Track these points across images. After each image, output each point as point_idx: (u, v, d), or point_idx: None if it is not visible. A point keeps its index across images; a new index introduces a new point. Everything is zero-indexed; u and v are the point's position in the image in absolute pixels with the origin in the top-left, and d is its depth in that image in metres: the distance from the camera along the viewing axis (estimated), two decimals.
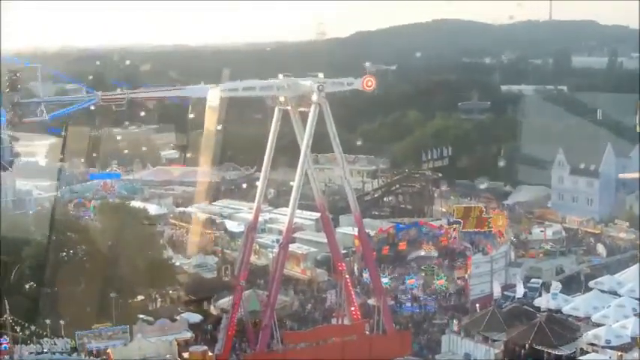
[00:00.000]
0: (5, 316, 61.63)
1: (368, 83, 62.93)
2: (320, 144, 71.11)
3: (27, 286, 67.86)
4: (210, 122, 77.57)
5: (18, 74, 57.93)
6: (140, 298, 74.11)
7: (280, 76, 63.77)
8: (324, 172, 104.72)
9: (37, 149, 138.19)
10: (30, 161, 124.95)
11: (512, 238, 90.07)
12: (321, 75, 63.11)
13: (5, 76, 58.63)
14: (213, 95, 62.98)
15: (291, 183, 72.31)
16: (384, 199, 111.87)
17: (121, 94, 59.93)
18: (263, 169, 66.86)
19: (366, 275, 75.97)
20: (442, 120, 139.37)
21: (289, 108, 64.17)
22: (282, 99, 64.14)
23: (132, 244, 72.59)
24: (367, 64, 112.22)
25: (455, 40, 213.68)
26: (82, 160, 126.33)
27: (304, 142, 62.83)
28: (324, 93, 62.02)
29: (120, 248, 71.10)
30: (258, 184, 69.36)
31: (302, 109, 63.59)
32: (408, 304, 77.29)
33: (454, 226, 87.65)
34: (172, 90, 64.51)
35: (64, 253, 71.06)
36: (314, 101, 61.78)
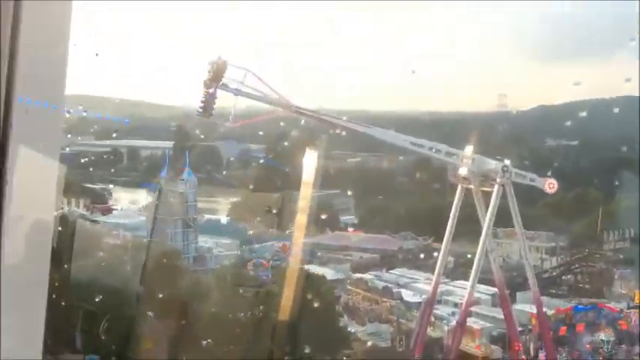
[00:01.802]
0: None
1: (550, 185, 63.70)
2: (499, 217, 71.45)
3: (204, 343, 70.18)
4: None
5: (225, 71, 59.83)
6: None
7: (468, 147, 64.90)
8: (503, 247, 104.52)
9: (220, 207, 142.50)
10: (212, 218, 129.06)
11: None
12: (507, 162, 63.87)
13: (212, 64, 60.29)
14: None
15: (469, 255, 72.87)
16: (563, 277, 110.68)
17: (313, 113, 62.21)
18: (443, 244, 67.79)
19: (542, 356, 75.45)
20: (625, 200, 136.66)
21: (472, 187, 65.09)
22: (464, 174, 65.10)
23: (308, 309, 74.16)
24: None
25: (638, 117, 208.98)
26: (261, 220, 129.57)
27: (486, 222, 63.61)
28: (509, 175, 62.82)
29: (296, 312, 72.73)
30: (439, 258, 70.12)
31: (484, 188, 64.49)
32: None
33: (634, 310, 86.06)
34: (363, 126, 65.87)
35: (242, 314, 73.42)
36: (498, 182, 62.61)
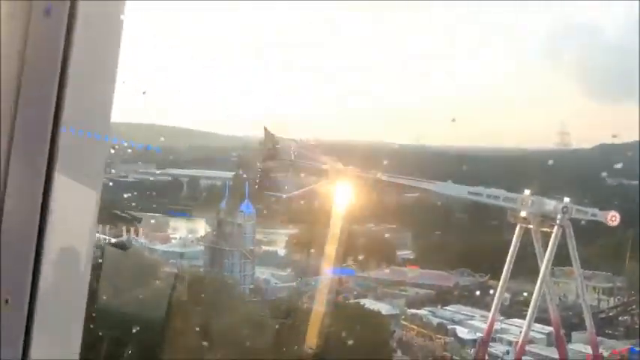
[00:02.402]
0: None
1: (612, 219, 63.29)
2: (556, 254, 70.77)
3: None
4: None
5: (278, 146, 60.95)
6: None
7: (526, 191, 64.58)
8: (560, 286, 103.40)
9: (277, 238, 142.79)
10: (269, 250, 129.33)
11: None
12: (567, 199, 63.49)
13: (267, 144, 61.55)
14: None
15: (525, 294, 72.02)
16: (619, 318, 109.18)
17: (369, 174, 62.53)
18: (500, 283, 67.43)
19: None
20: None
21: (531, 227, 64.72)
22: (524, 215, 64.81)
23: (362, 345, 74.00)
24: (604, 174, 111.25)
25: None
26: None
27: (544, 263, 63.23)
28: (569, 215, 62.43)
29: (349, 347, 72.60)
30: (495, 296, 69.72)
31: (544, 229, 64.13)
32: None
33: None
34: (423, 182, 66.37)
35: (296, 347, 73.50)
36: (558, 223, 62.23)
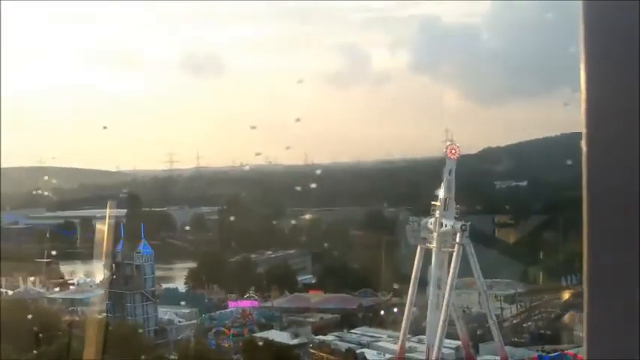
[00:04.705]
0: None
1: (452, 151, 63.94)
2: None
3: None
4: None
5: None
6: None
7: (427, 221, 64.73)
8: (461, 297, 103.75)
9: (176, 274, 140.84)
10: (170, 287, 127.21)
11: None
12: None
13: None
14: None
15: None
16: (524, 325, 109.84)
17: None
18: (407, 305, 67.49)
19: None
20: (579, 241, 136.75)
21: (433, 247, 64.92)
22: (423, 236, 65.12)
23: None
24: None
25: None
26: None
27: (449, 282, 63.29)
28: (468, 233, 62.81)
29: None
30: (404, 318, 69.76)
31: (445, 249, 64.41)
32: None
33: None
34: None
35: None
36: (458, 242, 62.50)
